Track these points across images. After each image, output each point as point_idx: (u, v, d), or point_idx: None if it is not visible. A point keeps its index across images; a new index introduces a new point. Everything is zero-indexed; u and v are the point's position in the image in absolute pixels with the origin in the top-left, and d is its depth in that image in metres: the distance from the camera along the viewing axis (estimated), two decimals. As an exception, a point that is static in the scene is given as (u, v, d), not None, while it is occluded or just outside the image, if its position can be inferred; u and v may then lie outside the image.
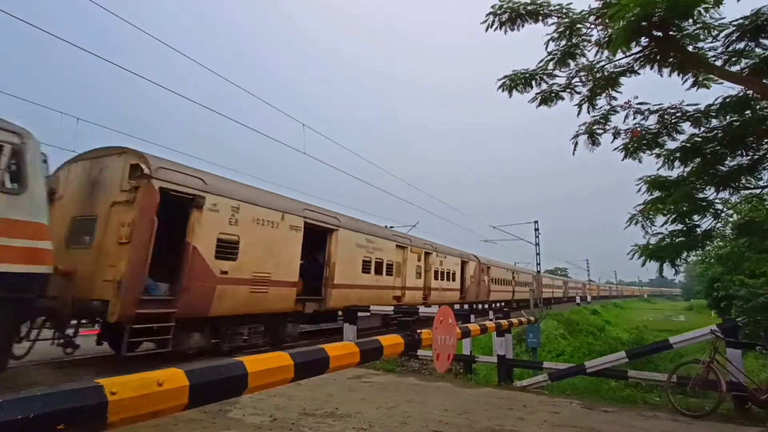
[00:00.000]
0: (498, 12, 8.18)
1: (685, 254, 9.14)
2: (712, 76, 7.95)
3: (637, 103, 9.01)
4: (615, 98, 9.00)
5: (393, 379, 8.37)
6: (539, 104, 9.07)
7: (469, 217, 43.93)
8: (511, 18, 8.18)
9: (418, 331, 3.81)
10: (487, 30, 8.41)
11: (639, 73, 8.39)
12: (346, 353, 2.77)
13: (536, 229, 33.37)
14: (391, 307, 15.10)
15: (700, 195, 9.11)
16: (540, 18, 8.18)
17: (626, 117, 9.25)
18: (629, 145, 9.35)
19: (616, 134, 9.47)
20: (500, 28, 8.36)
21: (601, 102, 9.14)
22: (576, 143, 9.59)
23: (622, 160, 9.58)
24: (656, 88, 8.71)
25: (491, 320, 9.30)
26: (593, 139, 9.51)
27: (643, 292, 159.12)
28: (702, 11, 6.55)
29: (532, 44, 8.60)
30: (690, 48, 7.48)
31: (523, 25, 8.27)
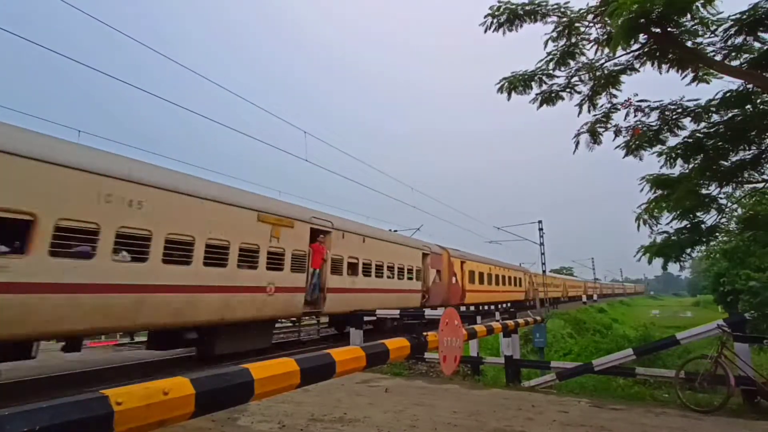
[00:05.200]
0: (496, 13, 8.19)
1: (689, 250, 9.13)
2: (712, 70, 7.95)
3: (638, 101, 9.01)
4: (616, 96, 9.01)
5: (401, 382, 8.34)
6: (539, 105, 9.08)
7: (473, 219, 43.51)
8: (509, 19, 8.19)
9: (424, 334, 3.81)
10: (486, 31, 8.42)
11: (639, 71, 8.39)
12: (352, 358, 2.77)
13: (540, 229, 33.29)
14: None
15: (703, 191, 9.09)
16: (538, 18, 8.19)
17: (627, 115, 9.25)
18: (631, 143, 9.35)
19: (618, 132, 9.47)
20: (498, 30, 8.37)
21: (602, 101, 9.15)
22: (577, 142, 9.60)
23: (623, 157, 9.58)
24: (657, 85, 8.72)
25: (498, 321, 9.29)
26: (595, 138, 9.51)
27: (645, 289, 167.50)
28: (699, 6, 6.55)
29: (536, 43, 8.60)
30: (689, 43, 7.48)
31: (521, 26, 8.28)
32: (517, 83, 8.65)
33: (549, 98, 8.97)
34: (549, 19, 8.20)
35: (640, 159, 9.49)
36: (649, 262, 9.20)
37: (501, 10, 8.16)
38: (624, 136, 9.42)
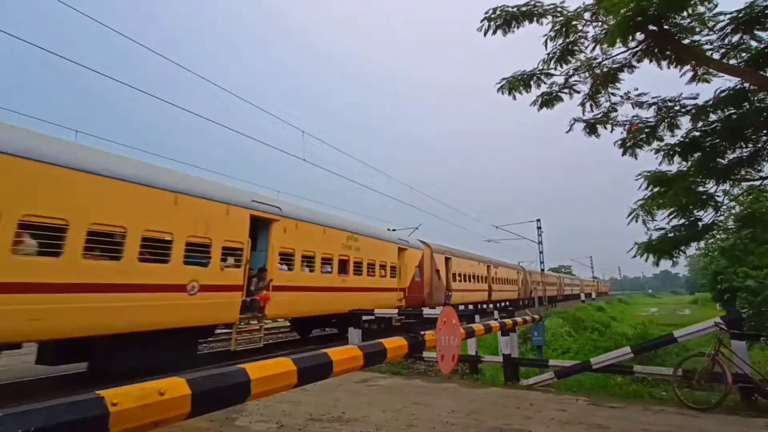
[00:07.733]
0: (492, 17, 8.19)
1: (683, 246, 9.14)
2: (711, 70, 7.96)
3: (636, 95, 9.01)
4: (614, 95, 9.03)
5: (399, 381, 8.34)
6: (540, 107, 9.10)
7: (473, 219, 43.37)
8: (506, 21, 8.19)
9: (422, 332, 3.80)
10: (485, 35, 8.42)
11: (637, 67, 8.40)
12: (349, 357, 2.76)
13: (539, 228, 33.39)
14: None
15: (701, 188, 9.10)
16: (535, 18, 8.19)
17: (623, 104, 9.25)
18: (627, 140, 9.35)
19: (614, 125, 9.47)
20: (496, 32, 8.38)
21: (602, 100, 9.17)
22: (571, 126, 9.61)
23: (622, 155, 9.58)
24: (656, 83, 8.70)
25: (496, 320, 9.29)
26: (592, 132, 9.51)
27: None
28: (697, 2, 6.56)
29: (537, 42, 8.62)
30: (686, 41, 7.49)
31: (518, 27, 8.28)
32: (517, 84, 8.67)
33: (549, 100, 8.99)
34: (546, 20, 8.21)
35: (635, 158, 9.51)
36: (644, 258, 9.21)
37: (497, 13, 8.16)
38: (621, 132, 9.44)
